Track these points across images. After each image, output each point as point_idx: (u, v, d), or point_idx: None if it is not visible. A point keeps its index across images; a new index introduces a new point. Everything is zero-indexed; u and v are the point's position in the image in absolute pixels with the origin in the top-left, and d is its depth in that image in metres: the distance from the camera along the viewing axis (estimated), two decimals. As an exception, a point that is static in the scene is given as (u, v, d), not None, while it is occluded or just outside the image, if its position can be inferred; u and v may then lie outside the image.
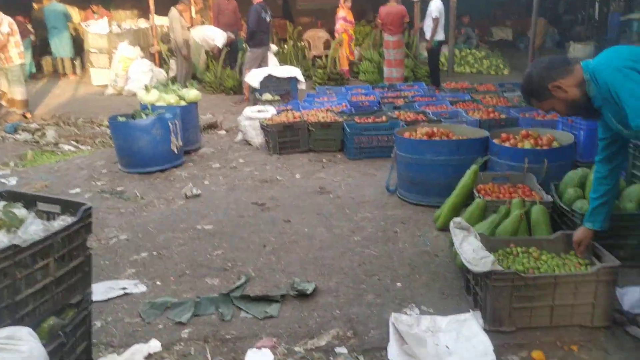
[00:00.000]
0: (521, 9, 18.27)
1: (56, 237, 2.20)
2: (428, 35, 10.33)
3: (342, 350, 2.75)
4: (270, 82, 9.14)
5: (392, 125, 6.28)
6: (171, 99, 6.54)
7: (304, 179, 5.59)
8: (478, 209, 3.72)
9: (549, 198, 3.75)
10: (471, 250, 2.89)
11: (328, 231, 4.23)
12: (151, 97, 6.49)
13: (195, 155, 6.60)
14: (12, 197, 2.50)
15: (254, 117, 7.01)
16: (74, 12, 13.98)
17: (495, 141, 4.62)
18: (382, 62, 11.40)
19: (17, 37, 8.44)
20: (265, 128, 6.62)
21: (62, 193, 5.26)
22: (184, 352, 2.77)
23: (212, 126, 8.19)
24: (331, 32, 13.02)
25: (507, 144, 4.58)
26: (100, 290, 3.33)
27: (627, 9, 15.60)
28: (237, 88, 10.87)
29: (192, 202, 4.99)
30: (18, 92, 8.71)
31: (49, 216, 2.45)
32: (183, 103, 6.63)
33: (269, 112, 7.12)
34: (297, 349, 2.77)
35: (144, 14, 14.17)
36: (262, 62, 9.96)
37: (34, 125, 8.18)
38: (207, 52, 11.77)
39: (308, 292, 3.24)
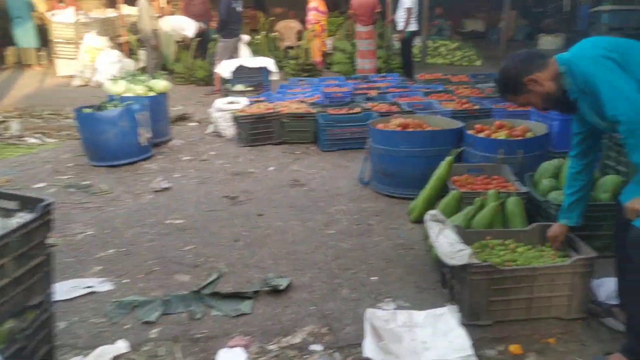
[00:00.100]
0: (493, 1, 18.37)
1: (13, 236, 2.07)
2: (401, 26, 10.28)
3: (317, 347, 2.68)
4: (242, 73, 8.97)
5: (366, 116, 6.22)
6: (139, 90, 6.36)
7: (276, 172, 5.49)
8: (453, 200, 3.68)
9: (524, 189, 3.72)
10: (447, 244, 2.84)
11: (302, 225, 4.15)
12: (119, 88, 6.30)
13: (165, 148, 6.44)
14: (-33, 193, 2.35)
15: (226, 108, 6.87)
16: (40, 1, 13.53)
17: (470, 132, 4.59)
18: (355, 53, 11.32)
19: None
20: (237, 120, 6.49)
21: (26, 188, 5.06)
22: (152, 353, 2.66)
23: (183, 118, 8.00)
24: (303, 23, 12.88)
25: (481, 135, 4.55)
26: (65, 290, 3.19)
27: (596, 1, 15.80)
28: (208, 79, 10.67)
29: (162, 196, 4.85)
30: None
31: (7, 213, 2.31)
32: (152, 94, 6.45)
33: (240, 103, 6.99)
34: (270, 347, 2.69)
35: (112, 3, 13.79)
36: (233, 53, 9.79)
37: (-4, 118, 7.90)
38: (177, 43, 11.53)
39: (282, 287, 3.16)
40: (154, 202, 4.71)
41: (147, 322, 2.90)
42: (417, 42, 12.60)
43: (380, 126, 4.90)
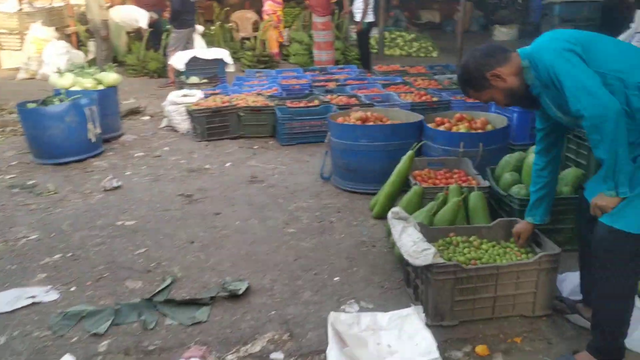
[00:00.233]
0: (448, -8, 18.50)
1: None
2: (358, 17, 10.17)
3: (278, 355, 2.56)
4: (196, 65, 8.73)
5: (325, 109, 6.10)
6: (88, 83, 6.06)
7: (234, 168, 5.31)
8: (415, 196, 3.60)
9: (486, 183, 3.68)
10: (411, 243, 2.75)
11: (261, 223, 4.00)
12: (65, 81, 5.99)
13: (116, 144, 6.16)
14: None
15: (180, 101, 6.63)
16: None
17: (430, 125, 4.53)
18: (312, 44, 11.17)
19: None
20: (192, 113, 6.26)
21: (-36, 189, 4.75)
22: (101, 368, 2.49)
23: (135, 112, 7.70)
24: (260, 13, 12.64)
25: (441, 128, 4.49)
26: (5, 300, 2.99)
27: (549, -8, 16.04)
28: (162, 71, 10.34)
29: (112, 195, 4.62)
30: None
31: None
32: (101, 87, 6.17)
33: (195, 96, 6.76)
34: (229, 357, 2.55)
35: (59, -9, 13.23)
36: (187, 44, 9.50)
37: None
38: (128, 33, 11.13)
39: (240, 292, 3.01)
40: (103, 202, 4.47)
41: (95, 334, 2.71)
42: (374, 33, 12.54)
43: (339, 120, 4.78)
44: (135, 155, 5.77)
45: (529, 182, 3.53)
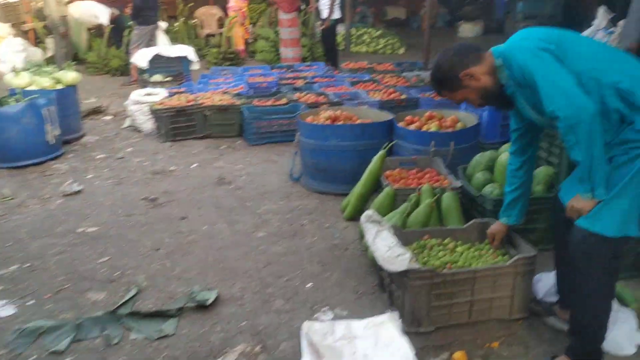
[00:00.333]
0: (413, -12, 18.58)
1: None
2: (325, 14, 10.07)
3: (250, 369, 2.45)
4: (160, 63, 8.53)
5: (293, 108, 6.00)
6: (46, 82, 5.82)
7: (200, 169, 5.15)
8: (387, 198, 3.53)
9: (458, 183, 3.63)
10: (386, 247, 2.67)
11: (229, 228, 3.87)
12: (21, 80, 5.73)
13: (77, 145, 5.94)
14: None
15: (143, 101, 6.42)
16: None
17: (401, 124, 4.47)
18: (278, 41, 11.03)
19: None
20: (156, 113, 6.07)
21: None
22: (62, 389, 2.35)
23: (97, 111, 7.45)
24: (225, 10, 12.43)
25: (412, 127, 4.44)
26: (-44, 317, 2.79)
27: (513, -12, 16.24)
28: (124, 69, 10.07)
29: (73, 200, 4.42)
30: None
31: None
32: (60, 86, 5.92)
33: (159, 95, 6.56)
34: (198, 372, 2.43)
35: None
36: (150, 41, 9.26)
37: None
38: (89, 30, 10.79)
39: (209, 302, 2.88)
40: (64, 207, 4.27)
41: (55, 352, 2.56)
42: (341, 29, 12.47)
43: (309, 119, 4.69)
44: (97, 157, 5.56)
45: (501, 181, 3.53)
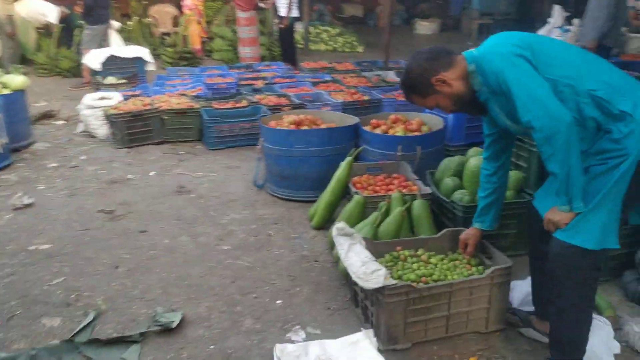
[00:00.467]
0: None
1: None
2: (283, 12, 9.90)
3: (220, 398, 2.32)
4: (113, 64, 8.21)
5: (254, 110, 5.85)
6: (-10, 87, 5.49)
7: (159, 177, 4.94)
8: (357, 207, 3.43)
9: (427, 189, 3.57)
10: (360, 263, 2.57)
11: (192, 241, 3.70)
12: (-37, 86, 5.40)
13: (27, 153, 5.61)
14: None
15: (97, 105, 6.14)
16: None
17: (367, 128, 4.38)
18: (236, 40, 10.81)
19: None
20: (111, 118, 5.81)
21: None
22: None
23: (47, 115, 7.08)
24: (180, 7, 12.11)
25: (378, 131, 4.36)
26: None
27: (468, -13, 16.43)
28: (76, 70, 9.65)
29: (23, 214, 4.15)
30: None
31: None
32: (7, 92, 5.58)
33: (113, 99, 6.28)
34: (165, 404, 2.28)
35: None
36: (103, 41, 8.91)
37: None
38: (37, 30, 10.32)
39: (174, 325, 2.72)
40: (13, 223, 4.00)
41: (6, 388, 2.36)
42: (299, 28, 12.33)
43: (272, 124, 4.54)
44: (49, 166, 5.27)
45: (470, 187, 3.48)
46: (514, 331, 2.70)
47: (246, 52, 10.26)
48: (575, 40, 7.83)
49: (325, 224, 3.80)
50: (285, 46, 10.35)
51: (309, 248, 3.58)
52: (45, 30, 10.23)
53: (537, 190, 2.59)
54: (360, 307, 2.81)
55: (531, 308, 2.74)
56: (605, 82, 2.13)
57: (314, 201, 4.04)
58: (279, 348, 2.49)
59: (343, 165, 3.82)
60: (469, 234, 2.82)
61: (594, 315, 2.67)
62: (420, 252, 2.92)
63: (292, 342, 2.62)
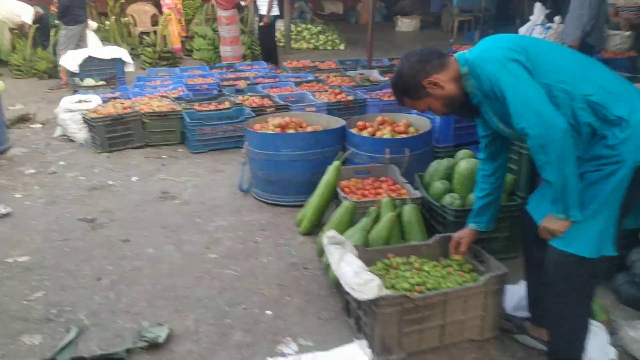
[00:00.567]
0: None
1: None
2: (263, 10, 9.79)
3: (211, 417, 2.23)
4: (92, 65, 8.05)
5: (237, 112, 5.75)
6: (-37, 92, 5.32)
7: (141, 183, 4.82)
8: (347, 213, 3.36)
9: (417, 193, 3.52)
10: (352, 273, 2.50)
11: (178, 250, 3.60)
12: None
13: (3, 160, 5.44)
14: None
15: (75, 108, 5.98)
16: None
17: (353, 131, 4.32)
18: (217, 39, 10.67)
19: None
20: (90, 122, 5.67)
21: None
22: None
23: (24, 119, 6.89)
24: (158, 6, 11.93)
25: (365, 133, 4.30)
26: None
27: (448, -17, 16.46)
28: (52, 71, 9.46)
29: (0, 225, 4.01)
30: None
31: None
32: (-20, 96, 5.43)
33: (92, 101, 6.13)
34: None
35: None
36: (80, 42, 8.72)
37: None
38: (11, 30, 10.08)
39: (160, 340, 2.63)
40: (-11, 233, 3.88)
41: (-15, 413, 2.26)
42: (280, 26, 12.22)
43: (257, 127, 4.45)
44: (26, 172, 5.11)
45: (460, 191, 3.44)
46: (510, 338, 2.66)
47: (227, 51, 10.14)
48: (556, 38, 7.85)
49: (313, 230, 3.73)
50: (265, 45, 10.24)
51: (298, 255, 3.51)
52: (19, 30, 10.00)
53: (528, 193, 2.55)
54: (353, 317, 2.75)
55: (525, 313, 2.70)
56: (601, 87, 2.09)
57: (301, 206, 3.97)
58: (270, 363, 2.42)
59: (331, 170, 3.75)
60: (462, 233, 2.77)
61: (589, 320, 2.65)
62: (412, 259, 2.87)
63: (284, 355, 2.55)
